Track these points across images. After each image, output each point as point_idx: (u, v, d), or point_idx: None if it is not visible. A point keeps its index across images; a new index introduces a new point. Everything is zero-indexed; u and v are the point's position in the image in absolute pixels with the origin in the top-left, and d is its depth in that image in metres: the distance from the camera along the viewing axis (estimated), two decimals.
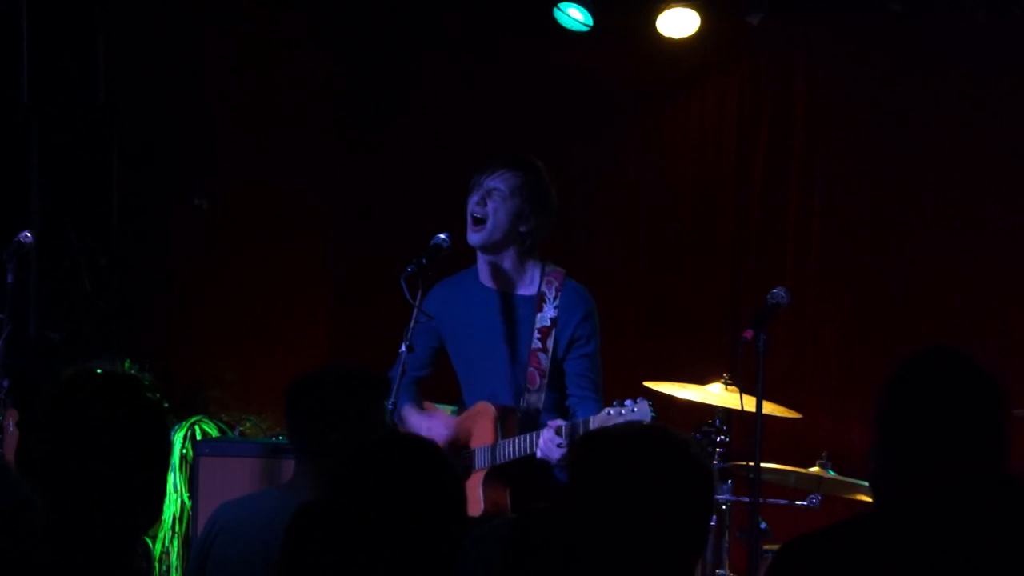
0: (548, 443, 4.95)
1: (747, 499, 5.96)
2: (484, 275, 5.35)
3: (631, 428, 3.10)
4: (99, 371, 3.01)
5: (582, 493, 2.98)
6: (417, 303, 5.08)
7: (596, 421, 4.87)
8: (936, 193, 7.78)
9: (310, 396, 4.31)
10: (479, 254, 5.37)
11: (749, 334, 5.23)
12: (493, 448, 5.11)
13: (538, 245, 5.35)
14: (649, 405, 4.80)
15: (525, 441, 5.04)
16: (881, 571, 2.94)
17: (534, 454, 5.00)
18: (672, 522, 2.94)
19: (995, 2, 7.42)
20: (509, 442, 5.08)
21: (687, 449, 3.02)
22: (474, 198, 5.28)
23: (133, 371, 7.64)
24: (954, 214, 7.77)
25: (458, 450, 5.24)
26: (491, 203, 5.24)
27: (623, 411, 4.82)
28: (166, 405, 7.58)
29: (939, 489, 2.99)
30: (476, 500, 5.09)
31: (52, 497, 2.78)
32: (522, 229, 5.26)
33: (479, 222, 5.26)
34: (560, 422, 4.98)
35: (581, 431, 4.89)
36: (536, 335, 5.23)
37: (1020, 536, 2.94)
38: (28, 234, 5.99)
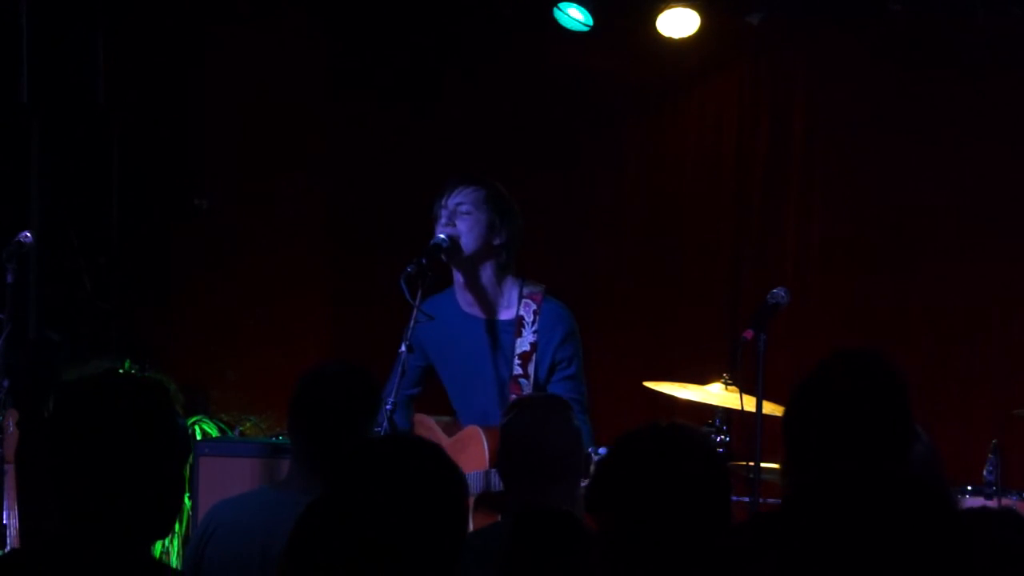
0: None
1: (747, 499, 5.96)
2: (463, 300, 5.33)
3: (652, 429, 3.11)
4: (110, 372, 3.01)
5: (608, 499, 3.01)
6: (417, 303, 5.07)
7: None
8: (936, 192, 7.78)
9: (318, 396, 4.31)
10: (456, 276, 5.35)
11: (749, 334, 5.23)
12: (486, 475, 5.10)
13: (513, 261, 5.32)
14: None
15: None
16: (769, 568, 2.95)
17: None
18: (697, 516, 2.98)
19: (995, 2, 7.42)
20: (496, 471, 5.08)
21: (708, 446, 3.06)
22: (441, 223, 5.25)
23: (133, 371, 7.64)
24: (954, 213, 7.77)
25: None
26: (460, 221, 5.23)
27: (593, 457, 4.82)
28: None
29: (822, 486, 3.00)
30: (467, 524, 5.06)
31: (70, 502, 2.79)
32: (496, 242, 5.25)
33: (453, 239, 5.24)
34: None
35: None
36: (516, 361, 5.22)
37: (908, 534, 2.93)
38: (28, 234, 5.99)
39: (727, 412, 6.21)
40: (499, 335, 5.27)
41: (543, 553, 3.54)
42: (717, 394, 6.28)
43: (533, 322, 5.23)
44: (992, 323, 7.69)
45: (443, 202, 5.27)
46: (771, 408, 6.00)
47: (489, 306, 5.30)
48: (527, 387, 5.20)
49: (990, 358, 7.62)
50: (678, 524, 2.96)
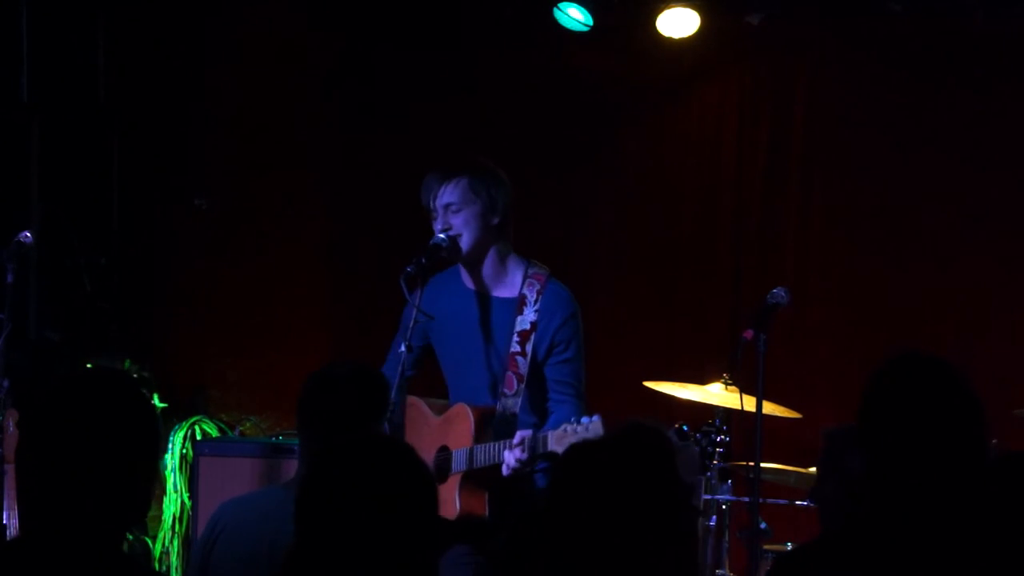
0: (515, 466, 4.96)
1: (747, 499, 5.97)
2: (466, 276, 5.33)
3: (605, 438, 3.14)
4: (90, 369, 3.07)
5: (562, 502, 3.02)
6: (417, 303, 5.08)
7: (553, 437, 4.89)
8: (936, 193, 7.79)
9: (325, 396, 4.31)
10: None
11: (749, 334, 5.22)
12: (469, 452, 5.11)
13: (512, 229, 5.31)
14: (602, 422, 4.81)
15: (499, 448, 5.03)
16: None
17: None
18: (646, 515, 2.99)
19: (995, 2, 7.42)
20: (483, 448, 5.07)
21: (659, 451, 3.07)
22: (437, 224, 5.24)
23: (133, 371, 7.64)
24: (954, 214, 7.77)
25: (437, 450, 5.22)
26: (454, 218, 5.22)
27: (578, 428, 4.83)
28: (159, 403, 7.61)
29: (927, 498, 2.99)
30: (452, 502, 5.07)
31: (45, 495, 2.81)
32: (495, 222, 5.25)
33: (453, 239, 5.23)
34: (524, 433, 4.97)
35: (540, 447, 4.92)
36: (515, 338, 5.21)
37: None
38: (28, 234, 5.98)
39: (727, 412, 6.22)
40: (499, 313, 5.27)
41: (537, 556, 3.55)
42: (717, 394, 6.29)
43: (535, 301, 5.23)
44: (992, 323, 7.69)
45: (432, 204, 5.25)
46: (771, 408, 6.02)
47: (492, 284, 5.30)
48: (523, 365, 5.19)
49: (990, 358, 7.62)
50: (625, 528, 2.97)
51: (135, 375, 7.49)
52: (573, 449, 3.14)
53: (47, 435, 2.86)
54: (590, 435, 4.77)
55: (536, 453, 4.92)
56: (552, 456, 4.91)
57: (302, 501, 2.88)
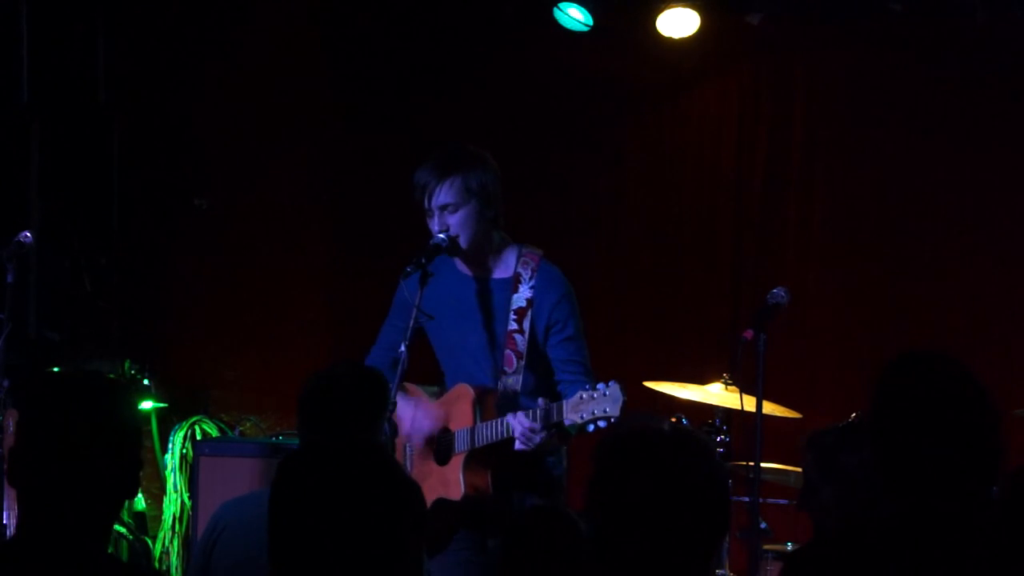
0: (526, 432, 4.93)
1: (747, 499, 5.97)
2: (459, 262, 5.33)
3: (656, 433, 3.08)
4: (66, 371, 3.10)
5: (610, 497, 2.98)
6: (417, 303, 5.08)
7: (568, 405, 4.86)
8: (936, 193, 7.79)
9: (325, 396, 4.31)
10: None
11: (749, 334, 5.23)
12: (472, 431, 5.10)
13: (514, 234, 5.31)
14: (620, 387, 4.79)
15: (502, 425, 5.02)
16: None
17: (512, 438, 4.98)
18: (694, 522, 2.95)
19: (995, 2, 7.43)
20: (487, 425, 5.06)
21: (709, 449, 3.04)
22: (434, 224, 5.23)
23: (133, 371, 7.64)
24: (954, 214, 7.78)
25: (438, 433, 5.22)
26: (451, 218, 5.21)
27: (595, 394, 4.81)
28: (159, 403, 7.61)
29: (941, 496, 2.98)
30: (456, 483, 5.08)
31: (30, 498, 2.84)
32: (490, 214, 5.24)
33: (453, 239, 5.23)
34: (536, 405, 4.95)
35: (554, 415, 4.89)
36: (512, 316, 5.20)
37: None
38: (28, 234, 5.98)
39: (727, 412, 6.22)
40: (494, 293, 5.26)
41: (539, 552, 3.53)
42: (717, 394, 6.29)
43: (530, 279, 5.22)
44: (992, 323, 7.69)
45: (427, 204, 5.24)
46: (771, 408, 6.01)
47: (486, 268, 5.29)
48: (522, 342, 5.18)
49: (990, 358, 7.62)
50: (674, 527, 2.94)
51: (129, 377, 7.50)
52: (626, 441, 3.08)
53: (29, 437, 2.88)
54: (608, 401, 4.76)
55: (549, 422, 4.90)
56: (561, 426, 4.89)
57: (273, 507, 2.86)
